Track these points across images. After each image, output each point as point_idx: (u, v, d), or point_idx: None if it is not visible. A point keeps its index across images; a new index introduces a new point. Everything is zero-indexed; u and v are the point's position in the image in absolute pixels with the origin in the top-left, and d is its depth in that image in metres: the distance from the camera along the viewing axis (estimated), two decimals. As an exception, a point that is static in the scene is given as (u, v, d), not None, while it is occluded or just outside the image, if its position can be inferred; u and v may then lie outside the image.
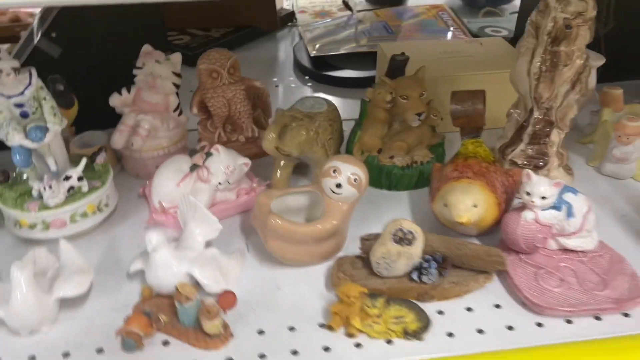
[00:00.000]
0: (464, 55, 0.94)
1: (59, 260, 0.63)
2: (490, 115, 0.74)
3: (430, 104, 0.79)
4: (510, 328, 0.59)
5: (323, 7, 1.46)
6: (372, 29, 1.25)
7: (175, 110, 0.83)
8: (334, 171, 0.64)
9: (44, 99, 0.64)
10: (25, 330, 0.58)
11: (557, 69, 0.69)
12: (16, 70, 0.61)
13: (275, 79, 1.14)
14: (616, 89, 0.87)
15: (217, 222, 0.65)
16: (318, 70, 1.12)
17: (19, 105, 0.63)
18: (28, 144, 0.62)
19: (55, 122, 0.64)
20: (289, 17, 1.37)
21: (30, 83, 0.62)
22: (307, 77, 1.14)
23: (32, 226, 0.67)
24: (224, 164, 0.72)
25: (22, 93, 0.62)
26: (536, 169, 0.76)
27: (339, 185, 0.63)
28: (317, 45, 1.18)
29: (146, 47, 0.80)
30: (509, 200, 0.69)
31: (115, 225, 0.74)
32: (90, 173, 0.71)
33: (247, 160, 0.74)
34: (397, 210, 0.76)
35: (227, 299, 0.56)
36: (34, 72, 0.63)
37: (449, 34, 1.23)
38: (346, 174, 0.64)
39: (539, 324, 0.59)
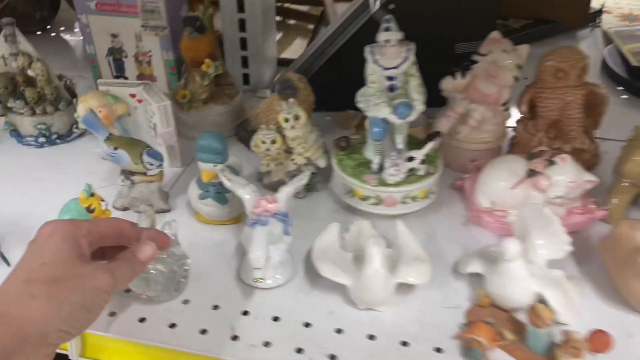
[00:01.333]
0: None
1: (397, 241, 0.62)
2: None
3: None
4: None
5: (631, 9, 1.29)
6: None
7: (503, 104, 0.77)
8: None
9: (412, 75, 0.62)
10: (364, 304, 0.58)
11: None
12: (399, 43, 0.60)
13: (579, 84, 1.03)
14: None
15: (568, 242, 0.58)
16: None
17: (390, 78, 0.62)
18: (393, 119, 0.61)
19: (420, 101, 0.62)
20: (593, 16, 1.23)
21: (407, 57, 0.61)
22: (620, 88, 1.00)
23: (365, 198, 0.67)
24: (569, 176, 0.65)
25: (397, 66, 0.61)
26: None
27: None
28: (640, 55, 1.03)
29: (494, 34, 0.75)
30: None
31: (430, 214, 0.71)
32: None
33: (593, 178, 0.66)
34: None
35: (600, 339, 0.49)
36: (412, 47, 0.61)
37: None
38: None
39: None
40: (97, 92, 0.76)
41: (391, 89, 0.62)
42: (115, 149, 0.66)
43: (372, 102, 0.62)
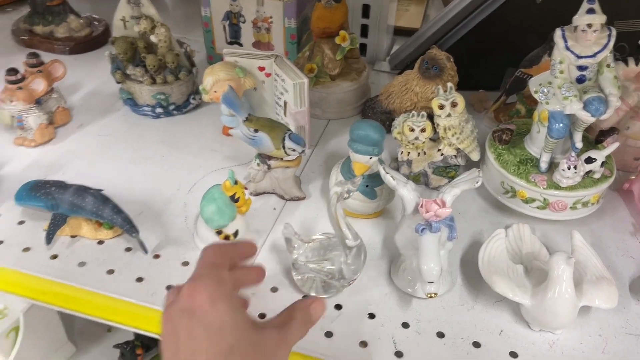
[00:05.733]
0: None
1: (574, 255, 0.54)
2: None
3: None
4: None
5: None
6: None
7: (680, 96, 0.68)
8: None
9: (608, 65, 0.53)
10: (540, 326, 0.51)
11: None
12: (601, 27, 0.51)
13: None
14: None
15: None
16: None
17: (581, 68, 0.53)
18: (584, 115, 0.53)
19: (617, 96, 0.53)
20: None
21: (606, 45, 0.52)
22: None
23: (529, 201, 0.60)
24: None
25: (594, 55, 0.52)
26: None
27: None
28: None
29: (685, 15, 0.64)
30: None
31: (592, 221, 0.63)
32: (592, 155, 0.61)
33: None
34: None
35: None
36: (613, 32, 0.52)
37: None
38: None
39: None
40: (225, 63, 0.70)
41: (580, 80, 0.54)
42: (256, 131, 0.61)
43: (559, 94, 0.53)
